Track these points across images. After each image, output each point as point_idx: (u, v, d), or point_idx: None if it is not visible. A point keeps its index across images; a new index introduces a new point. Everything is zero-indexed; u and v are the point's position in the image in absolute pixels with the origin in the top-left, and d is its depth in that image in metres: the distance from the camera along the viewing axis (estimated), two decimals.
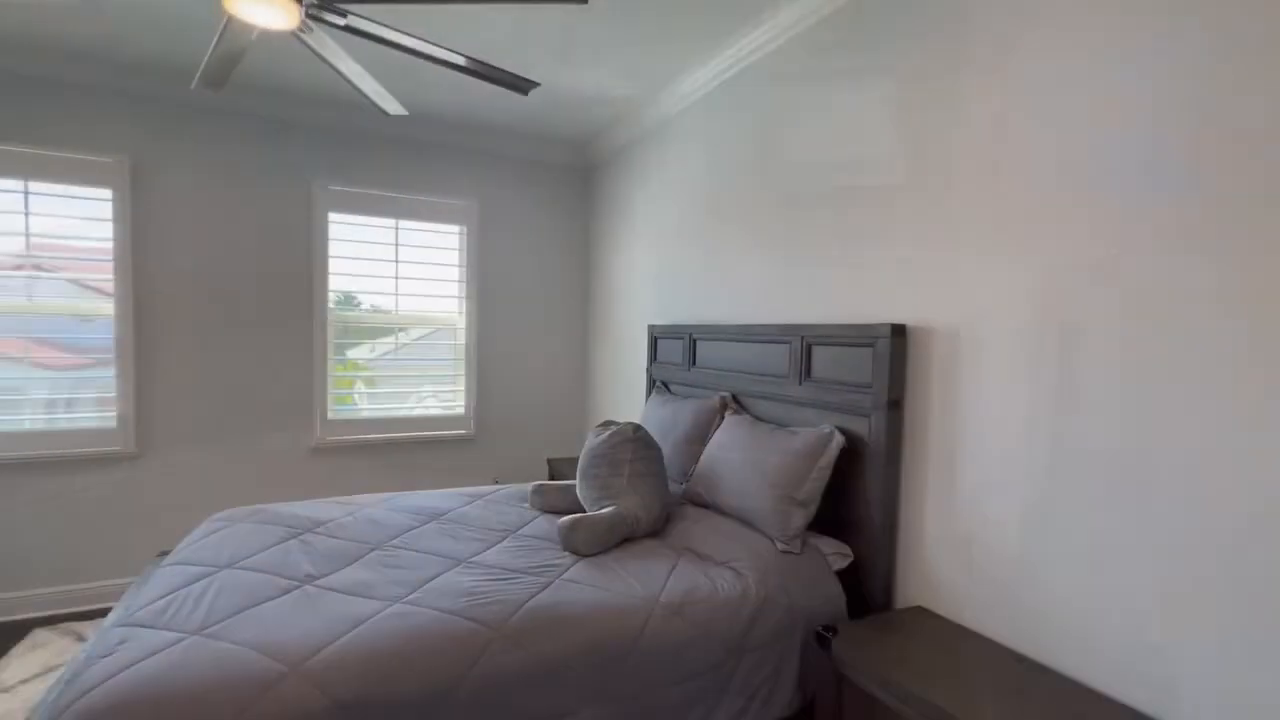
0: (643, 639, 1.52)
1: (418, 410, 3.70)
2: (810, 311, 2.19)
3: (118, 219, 2.93)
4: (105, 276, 2.95)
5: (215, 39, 1.85)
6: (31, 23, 2.47)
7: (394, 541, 1.98)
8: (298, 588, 1.63)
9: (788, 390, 2.17)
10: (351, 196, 3.40)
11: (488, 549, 1.94)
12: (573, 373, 4.06)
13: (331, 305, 3.40)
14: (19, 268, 2.85)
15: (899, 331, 1.77)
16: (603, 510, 2.00)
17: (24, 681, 2.30)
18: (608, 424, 2.28)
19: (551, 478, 3.55)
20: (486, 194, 3.72)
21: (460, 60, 1.91)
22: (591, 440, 2.24)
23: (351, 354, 3.57)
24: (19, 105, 2.77)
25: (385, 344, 3.63)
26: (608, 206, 3.78)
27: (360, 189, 3.41)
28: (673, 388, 2.95)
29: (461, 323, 3.71)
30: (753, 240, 2.50)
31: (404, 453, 3.60)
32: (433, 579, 1.70)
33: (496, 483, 3.59)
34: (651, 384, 3.13)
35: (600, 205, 3.89)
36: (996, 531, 1.56)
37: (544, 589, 1.64)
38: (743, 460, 2.07)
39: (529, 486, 2.48)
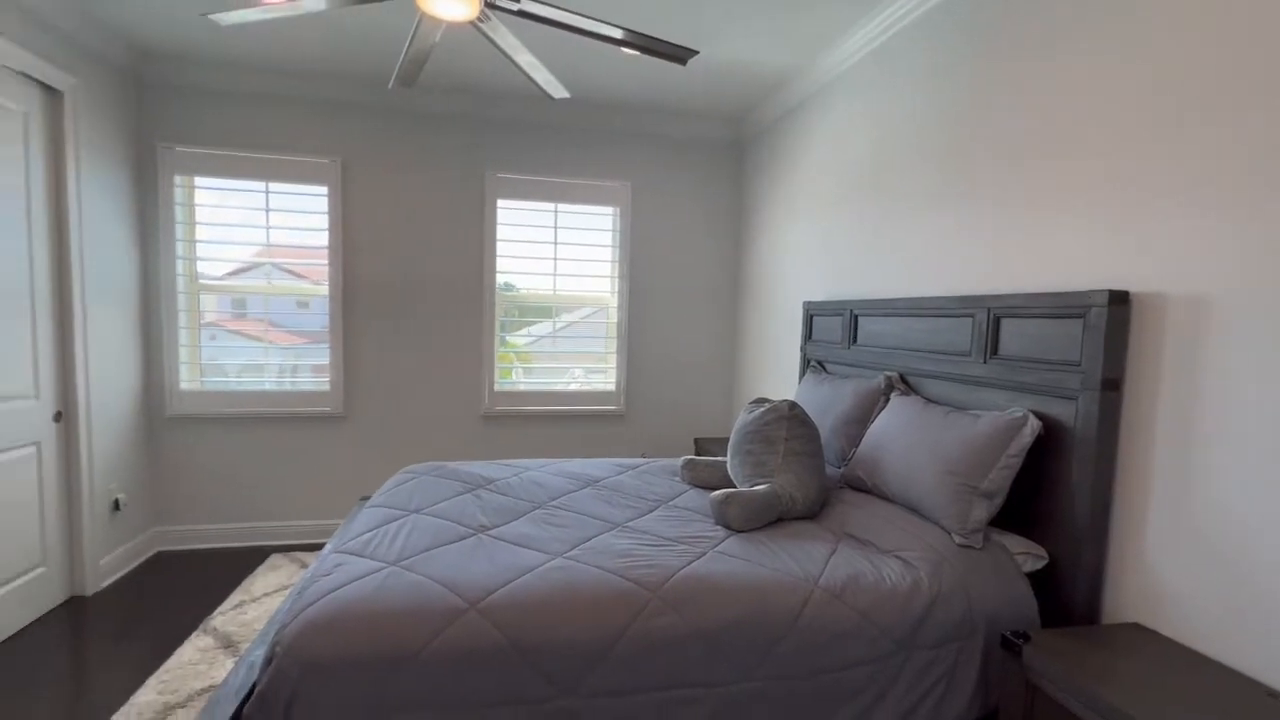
0: (801, 620, 1.46)
1: (573, 386, 3.88)
2: (995, 281, 1.94)
3: (331, 212, 3.40)
4: (320, 262, 3.44)
5: (408, 40, 2.05)
6: (270, 47, 2.92)
7: (555, 502, 2.09)
8: (473, 535, 1.78)
9: (968, 369, 1.94)
10: (517, 183, 3.63)
11: (641, 516, 1.98)
12: (721, 352, 4.02)
13: (499, 287, 3.67)
14: (258, 262, 3.42)
15: (1119, 299, 1.50)
16: (757, 487, 1.95)
17: (266, 595, 2.79)
18: (761, 401, 2.22)
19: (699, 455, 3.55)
20: (638, 174, 3.77)
21: (621, 34, 1.94)
22: (744, 417, 2.19)
23: (513, 331, 3.84)
24: (261, 117, 3.31)
25: (543, 323, 3.85)
26: (761, 181, 3.66)
27: (524, 175, 3.63)
28: (829, 367, 2.80)
29: (614, 302, 3.82)
30: (925, 205, 2.27)
31: (559, 424, 3.81)
32: (591, 539, 1.76)
33: (644, 457, 3.68)
34: (806, 364, 2.99)
35: (753, 180, 3.79)
36: (1254, 540, 1.27)
37: (698, 559, 1.63)
38: (912, 444, 1.90)
39: (679, 461, 2.49)
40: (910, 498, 1.85)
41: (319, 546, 3.36)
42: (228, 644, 2.41)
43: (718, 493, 1.92)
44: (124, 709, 2.01)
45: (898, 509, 1.89)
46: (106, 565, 2.94)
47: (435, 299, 3.58)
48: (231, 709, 1.25)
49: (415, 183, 3.51)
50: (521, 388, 3.84)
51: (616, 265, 3.79)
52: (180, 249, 3.27)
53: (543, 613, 1.39)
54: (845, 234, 2.79)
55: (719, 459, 2.37)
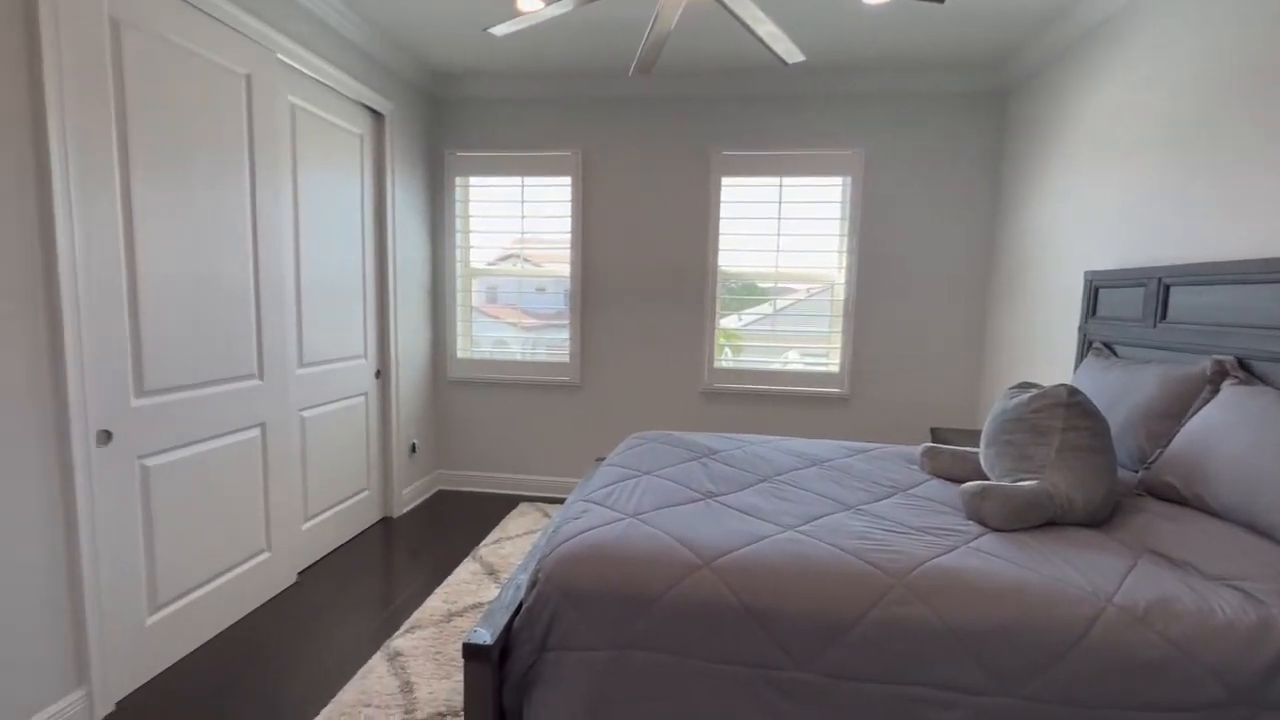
0: (1088, 639, 1.22)
1: (791, 365, 3.77)
2: None
3: (573, 202, 3.74)
4: (563, 249, 3.82)
5: (649, 25, 2.14)
6: (526, 55, 3.30)
7: (781, 477, 2.05)
8: (701, 500, 1.82)
9: None
10: (741, 160, 3.60)
11: (876, 501, 1.84)
12: (966, 334, 3.56)
13: (721, 265, 3.70)
14: (513, 251, 3.93)
15: None
16: (1022, 483, 1.68)
17: (519, 535, 3.23)
18: (1027, 385, 1.90)
19: None
20: (873, 139, 3.49)
21: None
22: (1004, 403, 1.90)
23: (733, 311, 3.84)
24: (520, 118, 3.76)
25: (765, 300, 3.79)
26: (1026, 136, 3.13)
27: (749, 151, 3.59)
28: (1120, 350, 2.29)
29: (840, 278, 3.61)
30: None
31: (776, 404, 3.73)
32: (822, 516, 1.69)
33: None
34: (1085, 346, 2.50)
35: (1014, 136, 3.25)
36: None
37: (948, 552, 1.46)
38: (1260, 447, 1.46)
39: (917, 449, 2.27)
40: (1254, 514, 1.43)
41: (557, 500, 3.77)
42: (490, 571, 2.83)
43: (971, 484, 1.70)
44: (420, 609, 2.49)
45: (1231, 527, 1.48)
46: (405, 495, 3.65)
47: (660, 278, 3.74)
48: (505, 619, 1.46)
49: (644, 168, 3.69)
50: (740, 366, 3.84)
51: (845, 239, 3.57)
52: (459, 240, 3.89)
53: (776, 580, 1.37)
54: (1150, 188, 2.25)
55: (968, 450, 2.10)
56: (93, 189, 1.79)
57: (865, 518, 1.68)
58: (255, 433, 2.47)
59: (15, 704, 1.63)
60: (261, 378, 2.48)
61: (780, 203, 3.59)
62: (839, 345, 3.64)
